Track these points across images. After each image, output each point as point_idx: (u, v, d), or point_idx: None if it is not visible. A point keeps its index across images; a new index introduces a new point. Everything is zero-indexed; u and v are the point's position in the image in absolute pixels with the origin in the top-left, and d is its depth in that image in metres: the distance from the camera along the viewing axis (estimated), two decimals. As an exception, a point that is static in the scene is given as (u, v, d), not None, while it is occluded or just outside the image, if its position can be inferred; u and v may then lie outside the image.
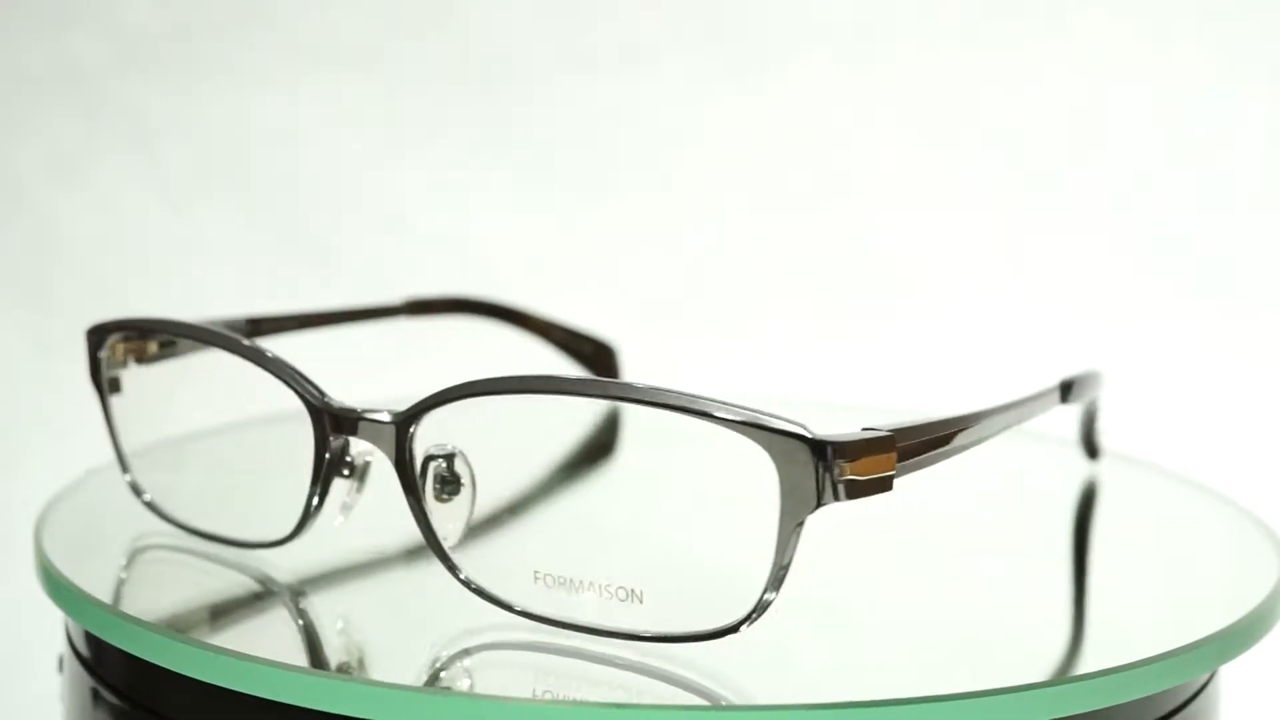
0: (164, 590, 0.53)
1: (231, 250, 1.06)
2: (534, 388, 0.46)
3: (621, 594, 0.46)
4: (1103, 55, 1.01)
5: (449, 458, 0.47)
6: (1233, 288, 1.00)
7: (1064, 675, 0.45)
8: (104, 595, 0.49)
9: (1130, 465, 0.64)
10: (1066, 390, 0.58)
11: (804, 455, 0.44)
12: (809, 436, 0.44)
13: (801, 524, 0.45)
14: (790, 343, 1.02)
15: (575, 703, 0.44)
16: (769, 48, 1.03)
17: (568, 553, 0.49)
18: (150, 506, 0.55)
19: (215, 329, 0.54)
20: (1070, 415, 0.62)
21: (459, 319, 0.75)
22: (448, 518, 0.48)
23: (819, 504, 0.45)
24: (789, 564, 0.45)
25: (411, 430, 0.47)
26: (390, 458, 0.47)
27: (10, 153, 1.06)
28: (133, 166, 1.06)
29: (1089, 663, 0.47)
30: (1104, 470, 0.63)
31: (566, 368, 0.75)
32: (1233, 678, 0.55)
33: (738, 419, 0.45)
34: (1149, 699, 0.47)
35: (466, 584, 0.48)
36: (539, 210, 1.05)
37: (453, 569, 0.48)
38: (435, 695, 0.43)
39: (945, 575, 0.56)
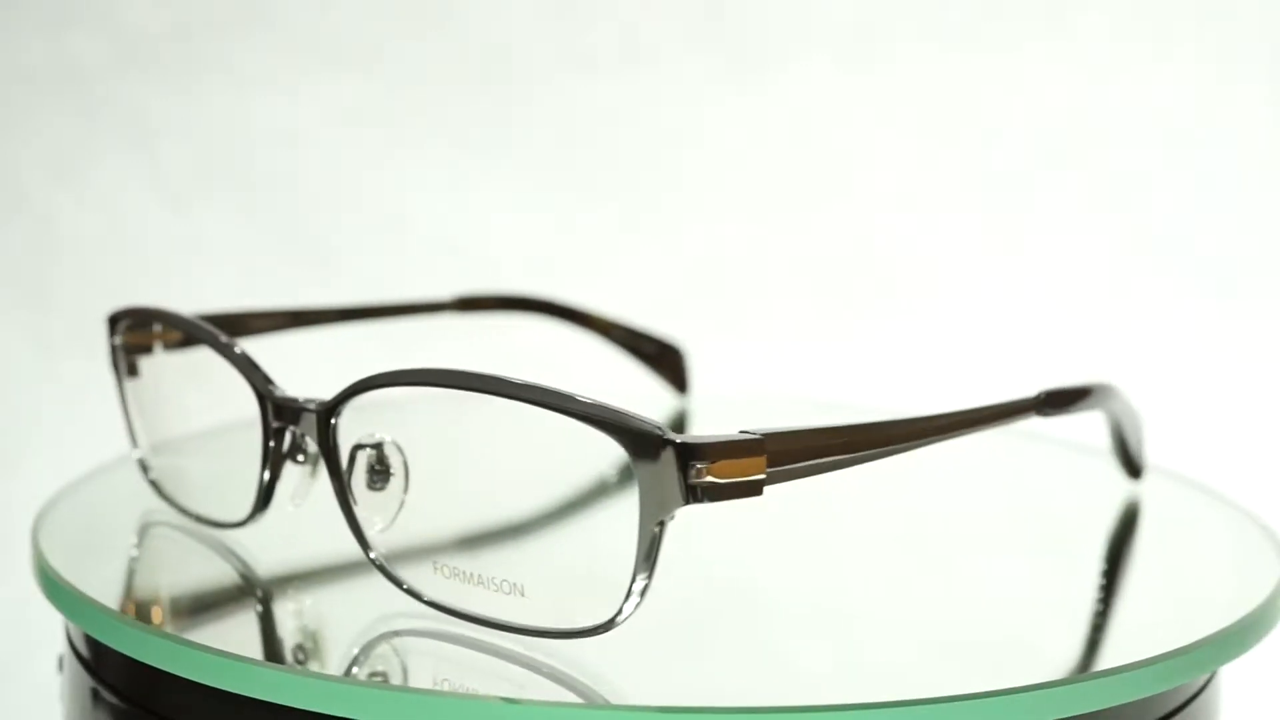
0: (162, 592, 0.53)
1: (231, 250, 1.06)
2: (428, 380, 0.46)
3: (506, 587, 0.47)
4: (1103, 55, 1.01)
5: (377, 447, 0.48)
6: (1233, 288, 1.00)
7: (1064, 676, 0.45)
8: (102, 597, 0.49)
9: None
10: (1048, 402, 0.55)
11: (662, 456, 0.44)
12: (664, 437, 0.44)
13: (663, 524, 0.44)
14: (790, 342, 1.02)
15: (602, 706, 0.44)
16: (769, 48, 1.03)
17: (466, 545, 0.49)
18: (153, 484, 0.57)
19: (197, 321, 0.55)
20: (1058, 424, 0.59)
21: (511, 316, 0.74)
22: (377, 506, 0.48)
23: (676, 505, 0.44)
24: (653, 564, 0.44)
25: (333, 420, 0.48)
26: (317, 444, 0.49)
27: (10, 153, 1.06)
28: (133, 166, 1.06)
29: (1089, 663, 0.47)
30: (1104, 471, 0.63)
31: (631, 368, 0.74)
32: (1233, 678, 0.55)
33: (599, 417, 0.44)
34: (1149, 699, 0.47)
35: (380, 568, 0.48)
36: (539, 210, 1.05)
37: (366, 550, 0.49)
38: (432, 696, 0.43)
39: (945, 576, 0.56)
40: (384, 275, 1.05)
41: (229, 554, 0.55)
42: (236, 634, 0.50)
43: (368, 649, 0.48)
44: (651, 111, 1.04)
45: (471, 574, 0.47)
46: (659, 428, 0.44)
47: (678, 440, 0.44)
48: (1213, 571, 0.55)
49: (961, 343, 1.02)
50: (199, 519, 0.55)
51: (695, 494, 0.44)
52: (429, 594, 0.48)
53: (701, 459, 0.44)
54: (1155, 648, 0.47)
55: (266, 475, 0.51)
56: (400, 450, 0.49)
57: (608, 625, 0.45)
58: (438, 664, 0.48)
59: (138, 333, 0.58)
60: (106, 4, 1.06)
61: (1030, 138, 1.01)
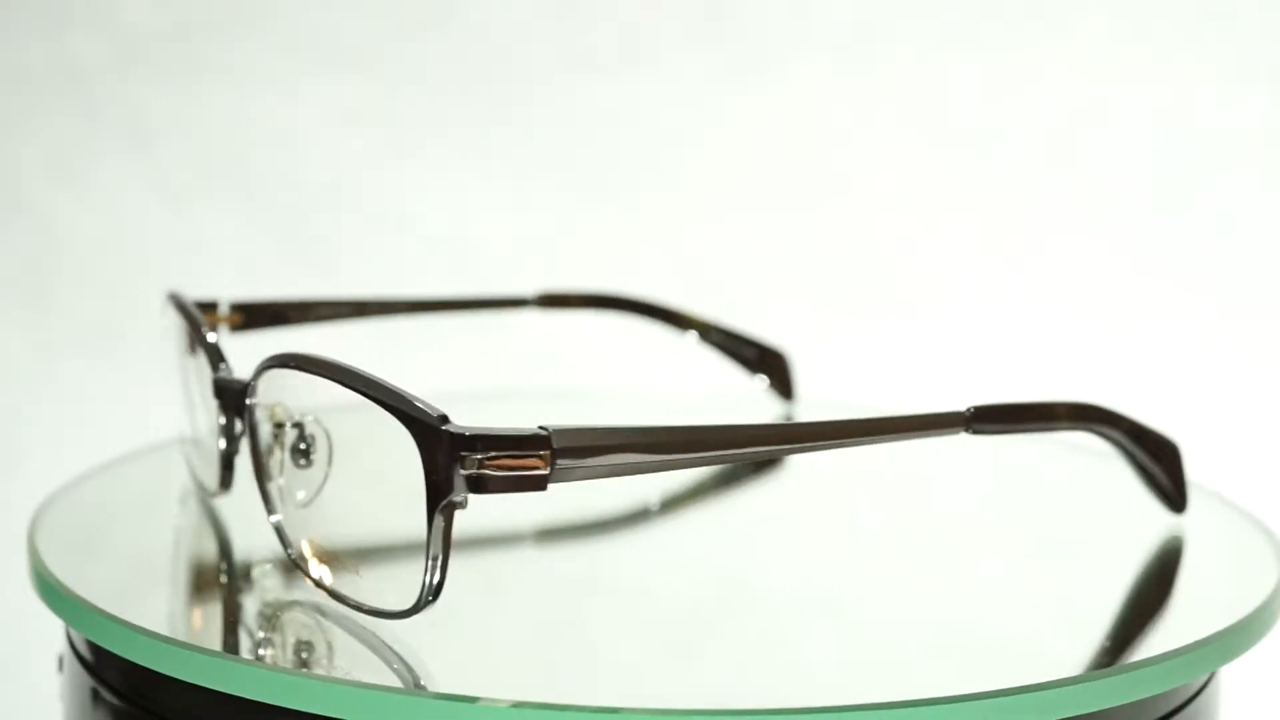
0: (159, 593, 0.53)
1: (231, 250, 1.06)
2: (289, 364, 0.48)
3: (353, 567, 0.48)
4: (1103, 55, 1.01)
5: (298, 426, 0.49)
6: (1232, 288, 1.00)
7: (1064, 676, 0.45)
8: (101, 597, 0.49)
9: (1123, 463, 0.64)
10: (975, 419, 0.52)
11: (440, 443, 0.44)
12: (440, 425, 0.44)
13: (448, 511, 0.44)
14: (790, 342, 1.02)
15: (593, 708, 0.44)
16: (769, 48, 1.03)
17: (326, 527, 0.49)
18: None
19: (192, 311, 0.57)
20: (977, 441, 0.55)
21: (597, 314, 0.73)
22: (302, 481, 0.49)
23: (454, 493, 0.44)
24: (442, 554, 0.45)
25: (249, 400, 0.49)
26: (242, 418, 0.50)
27: (10, 153, 1.06)
28: (133, 166, 1.06)
29: (1089, 663, 0.47)
30: (1104, 472, 0.63)
31: (730, 371, 0.72)
32: (1233, 678, 0.55)
33: (386, 401, 0.44)
34: (1149, 700, 0.47)
35: (277, 531, 0.49)
36: (539, 210, 1.05)
37: (269, 514, 0.50)
38: (432, 699, 0.43)
39: (945, 576, 0.56)
40: (384, 275, 1.05)
41: (228, 553, 0.55)
42: (236, 634, 0.50)
43: (369, 649, 0.48)
44: (651, 111, 1.04)
45: (333, 553, 0.48)
46: (436, 416, 0.44)
47: (453, 429, 0.44)
48: (1212, 572, 0.55)
49: (962, 343, 1.02)
50: (200, 487, 0.56)
51: (472, 484, 0.44)
52: (307, 567, 0.49)
53: (478, 450, 0.44)
54: (1155, 648, 0.47)
55: (222, 443, 0.52)
56: (327, 434, 0.49)
57: (413, 610, 0.46)
58: (440, 664, 0.48)
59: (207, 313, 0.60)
60: (106, 4, 1.06)
61: (1030, 138, 1.01)
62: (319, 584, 0.48)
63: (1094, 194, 1.01)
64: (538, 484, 0.44)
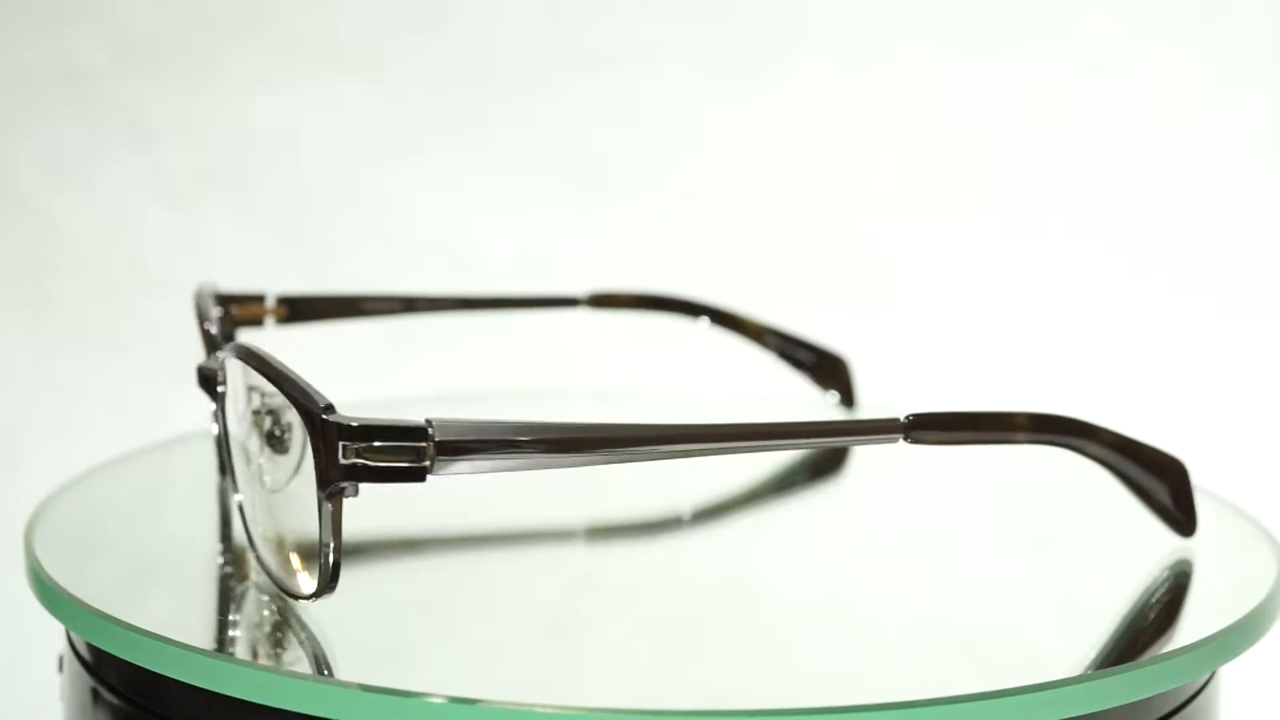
0: (158, 593, 0.53)
1: (231, 250, 1.06)
2: (236, 354, 0.49)
3: (281, 552, 0.48)
4: (1103, 55, 1.01)
5: (273, 413, 0.50)
6: (1231, 288, 1.00)
7: (1064, 676, 0.45)
8: (98, 599, 0.49)
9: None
10: (913, 427, 0.50)
11: (324, 433, 0.45)
12: (321, 414, 0.44)
13: (336, 501, 0.45)
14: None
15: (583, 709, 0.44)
16: (769, 48, 1.03)
17: (285, 510, 0.50)
18: None
19: (204, 300, 0.57)
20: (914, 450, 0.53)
21: (648, 315, 0.71)
22: (276, 466, 0.49)
23: (334, 482, 0.45)
24: (332, 540, 0.45)
25: (219, 387, 0.50)
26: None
27: (10, 153, 1.07)
28: (133, 166, 1.06)
29: (1089, 663, 0.47)
30: (1103, 472, 0.63)
31: (788, 376, 0.71)
32: (1233, 678, 0.55)
33: (285, 390, 0.45)
34: (1149, 700, 0.47)
35: (239, 510, 0.50)
36: (539, 210, 1.05)
37: (234, 491, 0.50)
38: (431, 700, 0.43)
39: (945, 577, 0.56)
40: (384, 275, 1.05)
41: (227, 553, 0.55)
42: (236, 635, 0.50)
43: (369, 650, 0.48)
44: (651, 111, 1.04)
45: (282, 536, 0.49)
46: (321, 406, 0.45)
47: (334, 419, 0.44)
48: (1211, 572, 0.55)
49: (962, 343, 1.02)
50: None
51: (354, 472, 0.45)
52: (256, 547, 0.50)
53: (359, 439, 0.44)
54: (1154, 648, 0.47)
55: (215, 429, 0.52)
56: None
57: (315, 594, 0.47)
58: (440, 664, 0.48)
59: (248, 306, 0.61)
60: (106, 4, 1.06)
61: (1030, 138, 1.01)
62: (259, 562, 0.49)
63: (1094, 194, 1.01)
64: (417, 475, 0.45)
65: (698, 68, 1.04)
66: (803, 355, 0.69)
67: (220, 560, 0.55)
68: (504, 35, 1.05)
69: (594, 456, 0.47)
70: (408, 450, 0.45)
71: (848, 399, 0.69)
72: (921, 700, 0.43)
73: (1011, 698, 0.44)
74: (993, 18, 1.01)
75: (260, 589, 0.52)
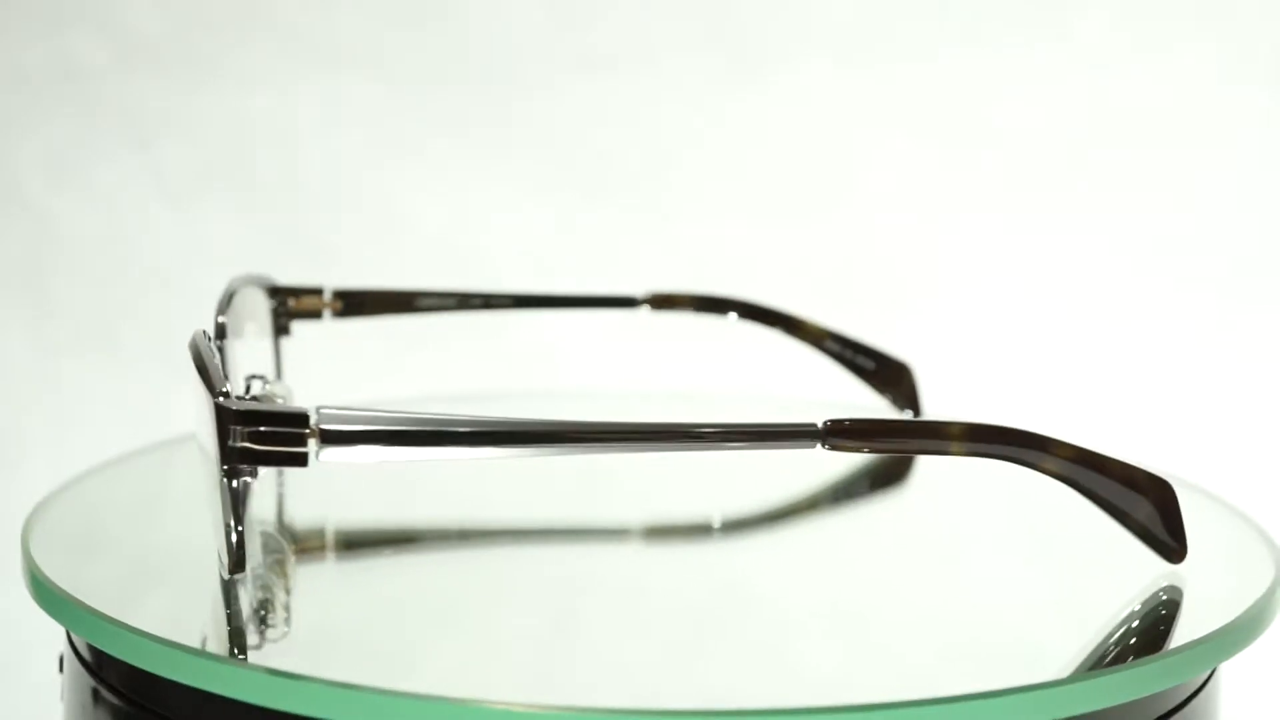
0: (158, 594, 0.53)
1: (231, 250, 1.06)
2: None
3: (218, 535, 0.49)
4: (1103, 55, 1.01)
5: (269, 399, 0.53)
6: (1229, 288, 1.00)
7: (1064, 676, 0.45)
8: (97, 600, 0.49)
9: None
10: (829, 433, 0.49)
11: (219, 419, 0.46)
12: (217, 401, 0.46)
13: (232, 484, 0.46)
14: (789, 342, 1.02)
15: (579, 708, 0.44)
16: (769, 48, 1.03)
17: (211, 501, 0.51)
18: None
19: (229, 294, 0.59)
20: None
21: (706, 317, 0.70)
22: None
23: (226, 464, 0.46)
24: (238, 518, 0.47)
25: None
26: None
27: (10, 153, 1.06)
28: (133, 166, 1.06)
29: (1089, 663, 0.47)
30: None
31: (848, 380, 0.69)
32: (1233, 678, 0.55)
33: (201, 380, 0.47)
34: (1149, 699, 0.47)
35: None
36: (539, 209, 1.05)
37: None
38: (430, 700, 0.43)
39: (945, 578, 0.56)
40: (384, 275, 1.05)
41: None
42: (236, 636, 0.50)
43: (368, 650, 0.48)
44: (651, 111, 1.04)
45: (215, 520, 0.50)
46: (217, 392, 0.46)
47: (224, 404, 0.46)
48: (1209, 572, 0.55)
49: (962, 343, 1.02)
50: None
51: (242, 456, 0.46)
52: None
53: (245, 424, 0.46)
54: (1153, 647, 0.47)
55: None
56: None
57: (230, 572, 0.48)
58: (440, 664, 0.48)
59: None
60: (106, 4, 1.06)
61: (1031, 137, 1.01)
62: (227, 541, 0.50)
63: (1094, 193, 1.01)
64: (299, 460, 0.46)
65: (698, 67, 1.04)
66: (863, 360, 0.68)
67: (220, 560, 0.55)
68: (504, 34, 1.05)
69: (479, 450, 0.47)
70: (291, 436, 0.46)
71: (911, 405, 0.68)
72: (921, 700, 0.43)
73: (1011, 697, 0.44)
74: (993, 17, 1.01)
75: (260, 589, 0.52)
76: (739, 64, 1.03)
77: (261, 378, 0.57)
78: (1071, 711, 0.44)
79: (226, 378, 0.53)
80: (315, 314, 0.64)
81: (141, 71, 1.06)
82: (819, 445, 0.49)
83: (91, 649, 0.50)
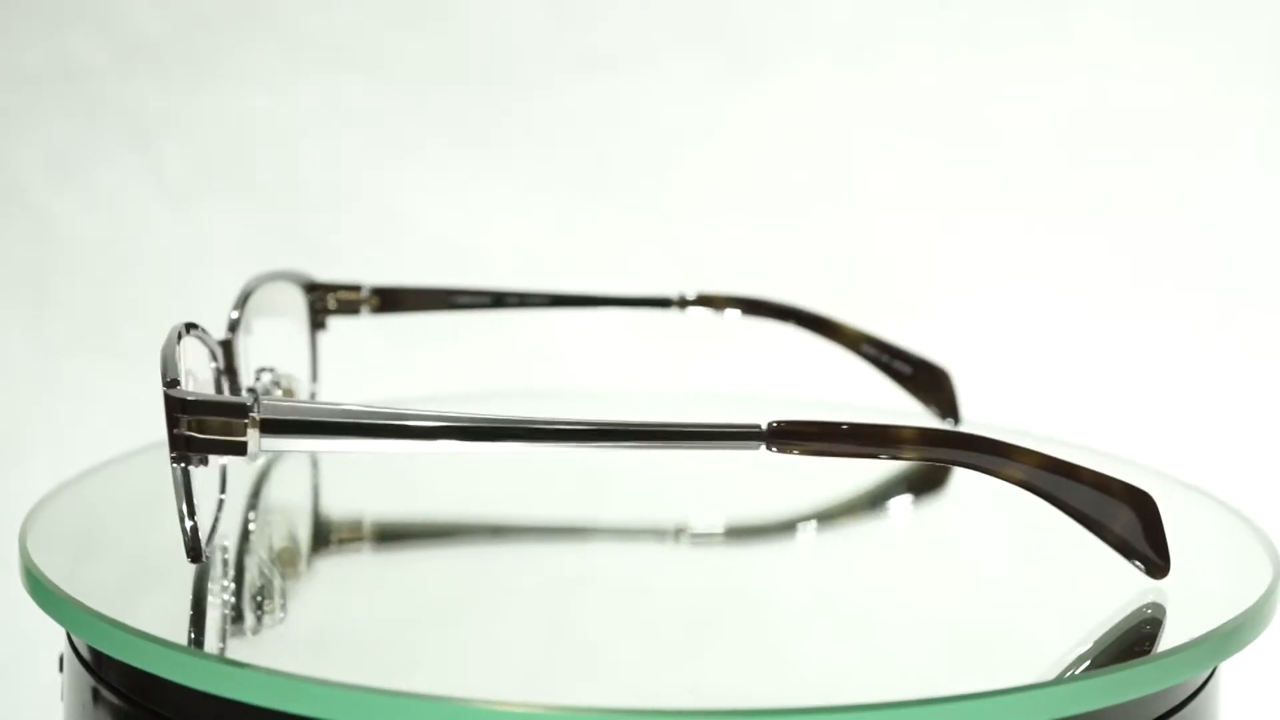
0: (157, 594, 0.53)
1: (231, 250, 1.06)
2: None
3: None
4: (1103, 55, 1.01)
5: (276, 384, 0.56)
6: (1228, 289, 1.00)
7: (1064, 676, 0.45)
8: (96, 601, 0.49)
9: (1124, 466, 0.64)
10: (773, 435, 0.48)
11: (166, 406, 0.48)
12: (165, 390, 0.48)
13: (182, 469, 0.48)
14: (788, 342, 1.02)
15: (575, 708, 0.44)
16: (769, 48, 1.03)
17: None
18: None
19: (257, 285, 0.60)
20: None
21: (748, 320, 0.69)
22: None
23: (174, 452, 0.48)
24: (188, 505, 0.48)
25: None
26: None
27: (10, 153, 1.06)
28: (133, 166, 1.06)
29: (1089, 663, 0.47)
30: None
31: (883, 385, 0.68)
32: (1233, 677, 0.55)
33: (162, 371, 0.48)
34: (1149, 698, 0.47)
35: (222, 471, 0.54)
36: (539, 209, 1.05)
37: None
38: (431, 700, 0.43)
39: (945, 578, 0.56)
40: (384, 275, 1.04)
41: (226, 554, 0.55)
42: (236, 637, 0.50)
43: (368, 651, 0.48)
44: (651, 111, 1.04)
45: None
46: (167, 380, 0.48)
47: (169, 393, 0.48)
48: (1207, 571, 0.55)
49: (961, 343, 1.02)
50: None
51: (186, 444, 0.48)
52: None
53: (187, 413, 0.48)
54: (1153, 647, 0.47)
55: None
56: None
57: (191, 560, 0.49)
58: (440, 664, 0.48)
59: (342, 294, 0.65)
60: (106, 4, 1.06)
61: (1030, 137, 1.01)
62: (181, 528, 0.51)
63: (1094, 193, 1.01)
64: (238, 449, 0.48)
65: (698, 67, 1.04)
66: (900, 365, 0.67)
67: (229, 569, 0.55)
68: (504, 34, 1.05)
69: (416, 443, 0.48)
70: (231, 425, 0.47)
71: (950, 412, 0.66)
72: (921, 700, 0.43)
73: (1011, 697, 0.44)
74: (993, 17, 1.01)
75: (260, 587, 0.52)
76: (739, 64, 1.03)
77: (270, 370, 0.58)
78: (1071, 711, 0.44)
79: (235, 371, 0.54)
80: (353, 310, 0.65)
81: (141, 71, 1.06)
82: (762, 446, 0.48)
83: (91, 649, 0.50)
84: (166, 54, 1.06)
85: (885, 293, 1.02)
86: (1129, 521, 0.50)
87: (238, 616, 0.51)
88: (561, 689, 0.46)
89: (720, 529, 0.60)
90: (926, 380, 0.66)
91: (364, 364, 0.75)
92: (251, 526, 0.58)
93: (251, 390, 0.56)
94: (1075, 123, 1.01)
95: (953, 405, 0.66)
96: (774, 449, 0.48)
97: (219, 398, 0.48)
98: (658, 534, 0.59)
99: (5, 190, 1.06)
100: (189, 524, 0.48)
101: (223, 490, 0.54)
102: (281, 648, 0.48)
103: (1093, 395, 1.01)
